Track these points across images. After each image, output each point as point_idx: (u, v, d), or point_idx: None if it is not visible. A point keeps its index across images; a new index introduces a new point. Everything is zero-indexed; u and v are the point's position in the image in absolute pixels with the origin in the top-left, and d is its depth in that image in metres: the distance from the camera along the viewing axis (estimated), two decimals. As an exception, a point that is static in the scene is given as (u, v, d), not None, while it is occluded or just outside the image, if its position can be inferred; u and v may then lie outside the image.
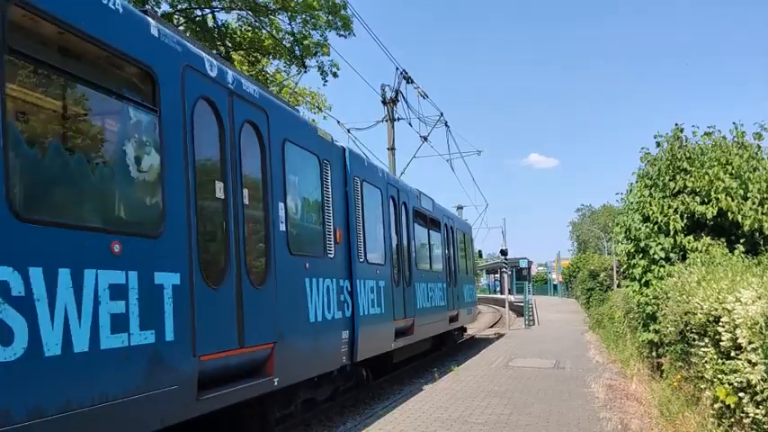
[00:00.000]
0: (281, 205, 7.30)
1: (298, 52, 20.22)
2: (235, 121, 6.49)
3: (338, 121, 26.43)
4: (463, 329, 21.77)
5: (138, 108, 5.23)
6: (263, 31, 19.93)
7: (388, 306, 11.06)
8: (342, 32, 20.42)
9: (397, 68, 22.42)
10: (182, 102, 5.67)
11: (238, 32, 19.91)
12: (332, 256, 8.79)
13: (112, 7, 4.93)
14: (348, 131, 20.46)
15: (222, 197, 6.14)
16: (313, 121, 21.14)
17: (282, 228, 7.25)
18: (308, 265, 7.86)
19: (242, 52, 20.57)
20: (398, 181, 13.60)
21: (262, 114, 7.07)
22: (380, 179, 11.65)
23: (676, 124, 10.90)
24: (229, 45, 20.21)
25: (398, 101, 22.65)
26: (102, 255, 4.53)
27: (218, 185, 6.11)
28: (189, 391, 5.38)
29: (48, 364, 4.04)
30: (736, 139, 10.52)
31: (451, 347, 19.24)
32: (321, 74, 21.25)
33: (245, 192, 6.53)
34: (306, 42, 19.97)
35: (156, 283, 5.07)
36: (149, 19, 5.49)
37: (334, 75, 21.42)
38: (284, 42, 20.22)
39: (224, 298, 5.98)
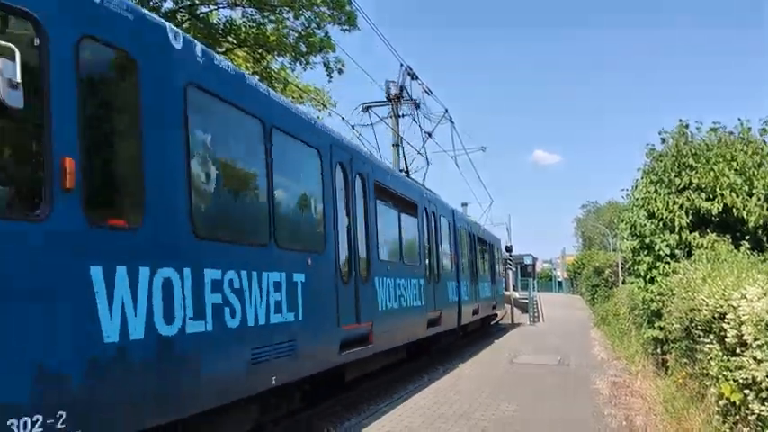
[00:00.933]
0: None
1: (303, 49, 20.20)
2: (353, 174, 9.54)
3: (342, 118, 26.50)
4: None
5: (313, 178, 8.17)
6: (268, 28, 19.90)
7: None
8: (346, 28, 20.39)
9: (402, 65, 22.40)
10: (330, 169, 8.61)
11: (243, 29, 19.88)
12: None
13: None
14: (353, 128, 20.45)
15: (349, 228, 9.19)
16: (319, 118, 21.44)
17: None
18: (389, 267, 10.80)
19: (246, 49, 20.55)
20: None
21: (348, 156, 9.48)
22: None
23: (681, 120, 10.88)
24: (234, 42, 20.20)
25: (403, 97, 22.63)
26: (304, 265, 7.33)
27: (346, 220, 9.14)
28: (337, 348, 8.23)
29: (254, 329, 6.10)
30: (741, 135, 10.49)
31: (455, 346, 18.24)
32: (326, 70, 21.25)
33: (360, 225, 9.65)
34: (312, 40, 19.93)
35: (325, 281, 7.98)
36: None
37: (340, 71, 21.41)
38: (289, 39, 20.20)
39: (350, 291, 8.79)
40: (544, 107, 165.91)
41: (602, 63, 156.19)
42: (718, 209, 9.72)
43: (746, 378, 5.30)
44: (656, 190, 10.55)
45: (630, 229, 10.89)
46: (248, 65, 21.63)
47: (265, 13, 19.71)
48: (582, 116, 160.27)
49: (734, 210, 9.64)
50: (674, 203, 10.11)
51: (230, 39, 20.12)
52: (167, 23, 5.37)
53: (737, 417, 5.81)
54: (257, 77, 21.00)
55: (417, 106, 22.68)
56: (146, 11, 5.19)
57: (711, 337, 6.39)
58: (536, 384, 11.08)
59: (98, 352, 4.15)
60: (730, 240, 9.68)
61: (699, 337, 6.94)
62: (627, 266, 15.12)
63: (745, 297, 5.46)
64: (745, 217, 9.51)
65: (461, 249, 17.73)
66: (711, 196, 9.92)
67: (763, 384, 4.98)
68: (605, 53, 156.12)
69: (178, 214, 5.17)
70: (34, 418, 3.67)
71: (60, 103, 4.06)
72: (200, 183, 5.70)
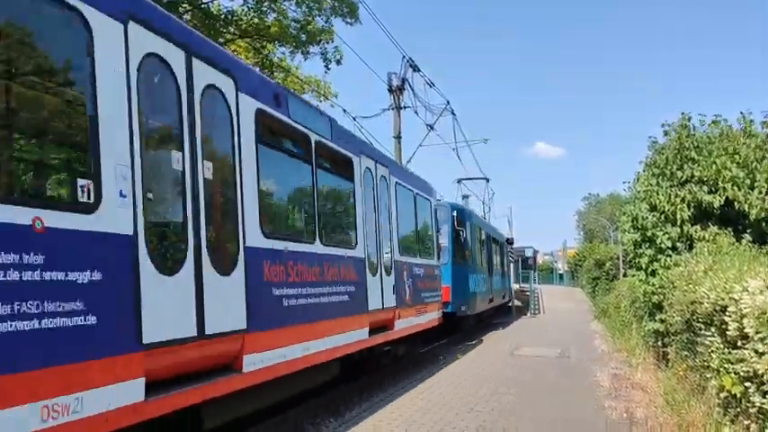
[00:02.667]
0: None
1: (303, 38, 20.13)
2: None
3: (344, 110, 26.44)
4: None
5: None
6: (269, 18, 19.84)
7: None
8: (348, 20, 20.30)
9: (404, 56, 22.34)
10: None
11: (244, 19, 19.82)
12: None
13: None
14: (354, 119, 20.41)
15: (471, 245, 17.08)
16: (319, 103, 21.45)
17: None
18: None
19: (248, 39, 20.50)
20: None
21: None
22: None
23: (683, 113, 10.86)
24: (235, 32, 20.14)
25: (405, 89, 22.57)
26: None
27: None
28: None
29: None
30: (743, 128, 10.48)
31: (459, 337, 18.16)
32: (324, 61, 21.12)
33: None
34: (310, 28, 19.82)
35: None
36: None
37: (338, 62, 21.29)
38: (290, 30, 20.13)
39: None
40: (546, 100, 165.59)
41: (606, 56, 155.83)
42: (719, 202, 9.72)
43: (748, 371, 5.31)
44: (657, 183, 10.55)
45: (632, 221, 10.89)
46: (248, 55, 21.59)
47: (266, 3, 19.63)
48: (585, 109, 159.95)
49: (735, 203, 9.64)
50: (676, 196, 10.11)
51: (231, 29, 20.07)
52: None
53: (738, 409, 5.82)
54: (258, 68, 21.01)
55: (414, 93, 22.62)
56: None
57: (712, 329, 6.40)
58: (537, 376, 11.10)
59: (472, 293, 18.14)
60: (732, 233, 9.68)
61: (700, 329, 6.95)
62: (628, 259, 15.14)
63: (747, 290, 5.46)
64: (746, 210, 9.51)
65: (484, 249, 22.27)
66: (713, 189, 9.92)
67: (765, 377, 4.98)
68: (608, 45, 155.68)
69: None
70: (463, 308, 17.17)
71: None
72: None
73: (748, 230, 9.55)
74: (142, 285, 4.54)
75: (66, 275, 3.88)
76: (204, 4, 19.12)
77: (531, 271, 44.20)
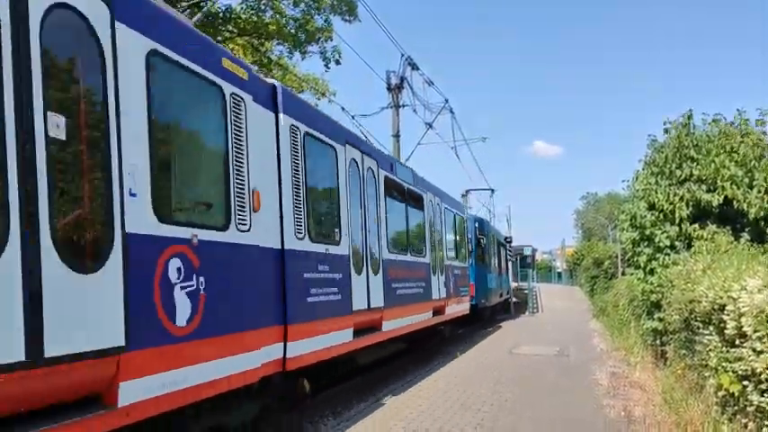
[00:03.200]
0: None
1: (302, 37, 20.10)
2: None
3: (342, 108, 26.40)
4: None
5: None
6: (267, 15, 19.81)
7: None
8: (347, 17, 20.27)
9: (403, 55, 22.32)
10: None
11: (242, 17, 19.78)
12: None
13: None
14: (353, 118, 20.39)
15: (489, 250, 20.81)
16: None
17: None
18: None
19: (246, 37, 20.48)
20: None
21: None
22: None
23: (690, 110, 10.87)
24: (234, 30, 20.11)
25: (403, 87, 22.55)
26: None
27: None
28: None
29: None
30: (739, 126, 10.49)
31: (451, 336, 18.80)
32: (324, 60, 21.10)
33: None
34: (309, 27, 19.80)
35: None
36: None
37: (337, 62, 21.26)
38: (288, 27, 20.10)
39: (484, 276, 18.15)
40: (545, 99, 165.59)
41: (605, 55, 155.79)
42: (718, 201, 9.72)
43: (746, 369, 5.31)
44: (656, 181, 10.54)
45: (631, 220, 10.89)
46: (247, 53, 21.55)
47: (263, 2, 19.60)
48: (583, 108, 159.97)
49: (734, 202, 9.64)
50: (675, 195, 10.10)
51: (230, 27, 20.04)
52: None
53: (736, 408, 5.83)
54: (256, 66, 20.95)
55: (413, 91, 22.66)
56: None
57: (711, 328, 6.40)
58: (535, 374, 11.11)
59: (489, 289, 22.02)
60: (730, 232, 9.69)
61: (698, 328, 6.95)
62: (627, 258, 15.14)
63: (746, 289, 5.46)
64: (745, 209, 9.52)
65: (495, 252, 26.08)
66: (712, 188, 9.92)
67: (763, 376, 4.99)
68: (607, 45, 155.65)
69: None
70: (483, 301, 20.72)
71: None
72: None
73: (747, 229, 9.56)
74: None
75: None
76: (203, 1, 19.08)
77: (530, 269, 44.24)
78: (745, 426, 5.56)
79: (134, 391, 4.30)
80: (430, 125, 24.77)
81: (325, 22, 20.08)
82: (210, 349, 5.18)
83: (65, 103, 3.99)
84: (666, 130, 10.92)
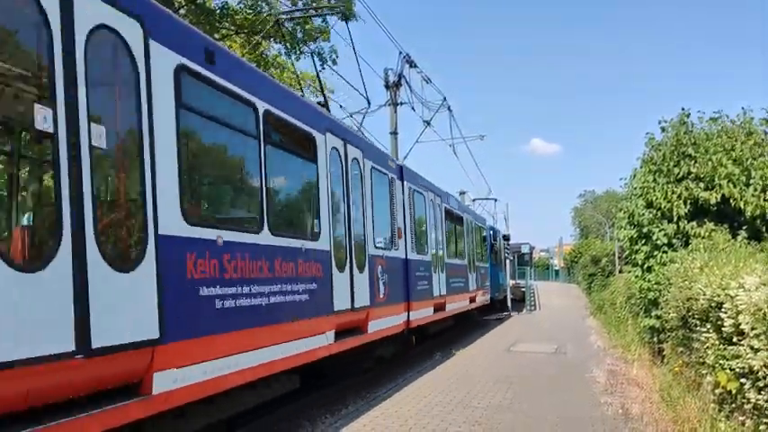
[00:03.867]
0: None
1: (299, 35, 20.05)
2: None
3: (341, 105, 26.37)
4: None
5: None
6: (264, 13, 19.75)
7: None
8: (344, 18, 20.23)
9: (401, 53, 22.30)
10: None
11: (239, 15, 19.73)
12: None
13: None
14: (350, 116, 20.38)
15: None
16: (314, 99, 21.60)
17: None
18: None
19: (243, 35, 20.43)
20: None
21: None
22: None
23: (683, 109, 10.86)
24: (231, 28, 20.06)
25: (401, 85, 22.54)
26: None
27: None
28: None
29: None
30: (742, 124, 10.48)
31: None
32: (320, 60, 21.07)
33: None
34: (308, 27, 19.77)
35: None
36: None
37: (334, 62, 21.25)
38: (285, 26, 20.04)
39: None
40: (542, 97, 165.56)
41: (604, 54, 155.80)
42: (716, 199, 9.73)
43: (743, 367, 5.32)
44: (654, 179, 10.55)
45: (628, 218, 10.90)
46: (244, 51, 21.50)
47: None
48: (581, 107, 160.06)
49: (731, 200, 9.65)
50: (673, 193, 10.11)
51: (227, 24, 19.99)
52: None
53: (734, 405, 5.84)
54: (254, 64, 20.88)
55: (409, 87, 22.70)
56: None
57: (708, 326, 6.41)
58: (533, 372, 11.12)
59: (500, 285, 27.49)
60: (728, 230, 9.70)
61: (695, 326, 6.96)
62: (624, 256, 15.16)
63: (743, 286, 5.47)
64: (742, 207, 9.52)
65: (502, 253, 29.86)
66: (710, 186, 9.92)
67: (760, 373, 5.00)
68: (610, 37, 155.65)
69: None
70: (496, 294, 26.19)
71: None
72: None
73: (744, 227, 9.57)
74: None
75: None
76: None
77: (528, 267, 44.27)
78: (743, 423, 5.58)
79: (170, 380, 4.80)
80: (428, 123, 24.76)
81: (323, 21, 20.04)
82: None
83: (104, 114, 4.44)
84: (663, 129, 10.93)
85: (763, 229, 9.67)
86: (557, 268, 74.81)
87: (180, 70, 5.25)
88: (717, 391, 6.17)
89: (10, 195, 4.36)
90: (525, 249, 51.28)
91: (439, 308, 14.24)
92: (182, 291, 5.02)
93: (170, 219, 4.90)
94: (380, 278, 9.97)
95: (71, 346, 3.86)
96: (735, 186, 9.63)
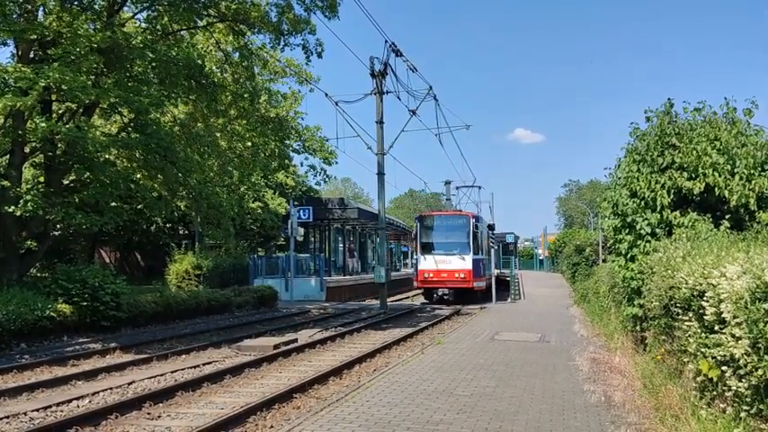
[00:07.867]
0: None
1: (285, 27, 19.87)
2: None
3: (326, 94, 26.14)
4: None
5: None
6: (248, 2, 19.53)
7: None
8: (327, 14, 20.07)
9: (386, 41, 22.23)
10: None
11: (224, 2, 19.49)
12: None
13: None
14: (336, 104, 20.28)
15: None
16: (299, 94, 21.47)
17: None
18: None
19: (228, 22, 20.20)
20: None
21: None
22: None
23: (669, 99, 10.88)
24: (215, 15, 19.83)
25: (387, 74, 22.48)
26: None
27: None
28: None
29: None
30: (726, 114, 10.52)
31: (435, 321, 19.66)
32: (306, 52, 20.91)
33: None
34: (290, 17, 19.58)
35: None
36: None
37: (319, 55, 21.11)
38: (270, 16, 19.84)
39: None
40: (526, 87, 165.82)
41: (591, 36, 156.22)
42: (699, 188, 9.78)
43: (724, 355, 5.36)
44: (638, 169, 10.57)
45: (612, 207, 10.93)
46: (228, 39, 21.29)
47: None
48: (565, 96, 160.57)
49: (716, 189, 9.70)
50: (657, 183, 10.14)
51: (211, 12, 19.76)
52: None
53: (715, 393, 5.89)
54: (237, 54, 20.68)
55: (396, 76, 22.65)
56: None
57: (690, 314, 6.45)
58: (517, 360, 11.18)
59: (491, 271, 32.73)
60: (711, 220, 9.76)
61: (678, 314, 7.00)
62: (608, 245, 15.24)
63: (725, 275, 5.50)
64: (726, 196, 9.58)
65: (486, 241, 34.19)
66: (694, 175, 9.97)
67: (741, 361, 5.03)
68: (594, 27, 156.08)
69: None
70: (489, 281, 31.29)
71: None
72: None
73: (727, 217, 9.63)
74: None
75: None
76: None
77: (512, 257, 44.53)
78: (724, 410, 5.63)
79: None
80: (414, 112, 24.72)
81: (306, 13, 19.86)
82: None
83: None
84: (648, 119, 10.95)
85: (747, 218, 9.74)
86: (541, 258, 75.30)
87: None
88: (698, 379, 6.21)
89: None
90: (510, 239, 51.49)
91: (488, 280, 29.50)
92: None
93: None
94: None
95: None
96: (719, 175, 9.68)
